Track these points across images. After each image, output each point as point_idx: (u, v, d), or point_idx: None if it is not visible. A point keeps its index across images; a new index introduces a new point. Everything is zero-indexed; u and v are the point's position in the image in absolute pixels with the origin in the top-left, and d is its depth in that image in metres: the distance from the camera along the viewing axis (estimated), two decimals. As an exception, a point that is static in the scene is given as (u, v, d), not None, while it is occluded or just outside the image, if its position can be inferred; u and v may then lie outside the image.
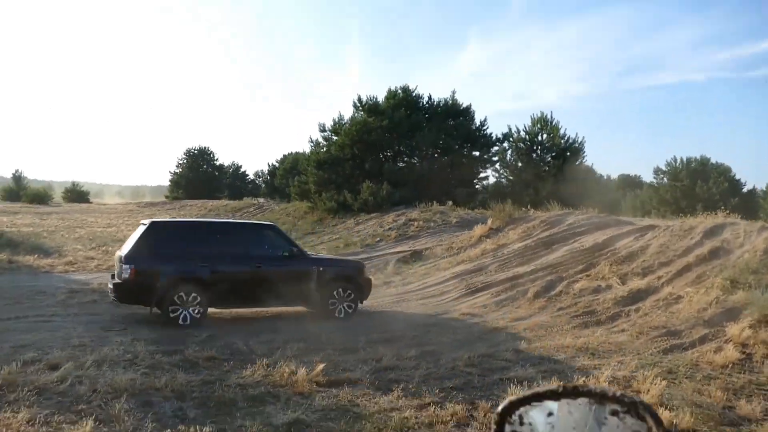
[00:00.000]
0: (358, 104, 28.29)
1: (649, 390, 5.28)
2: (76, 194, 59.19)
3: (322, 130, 29.44)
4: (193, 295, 8.13)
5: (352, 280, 9.35)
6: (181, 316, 8.09)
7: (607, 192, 35.60)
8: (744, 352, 6.80)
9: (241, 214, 35.05)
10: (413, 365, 6.27)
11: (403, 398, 5.19)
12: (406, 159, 28.22)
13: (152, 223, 8.91)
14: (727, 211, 14.06)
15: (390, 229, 20.48)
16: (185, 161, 61.14)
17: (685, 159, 41.13)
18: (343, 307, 9.08)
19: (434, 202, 22.66)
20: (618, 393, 0.60)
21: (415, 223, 20.10)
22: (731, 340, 7.08)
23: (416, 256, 15.77)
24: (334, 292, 9.02)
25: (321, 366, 5.74)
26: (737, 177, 40.22)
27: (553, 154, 24.19)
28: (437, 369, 6.22)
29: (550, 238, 14.12)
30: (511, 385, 5.36)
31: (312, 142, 29.92)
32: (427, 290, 12.04)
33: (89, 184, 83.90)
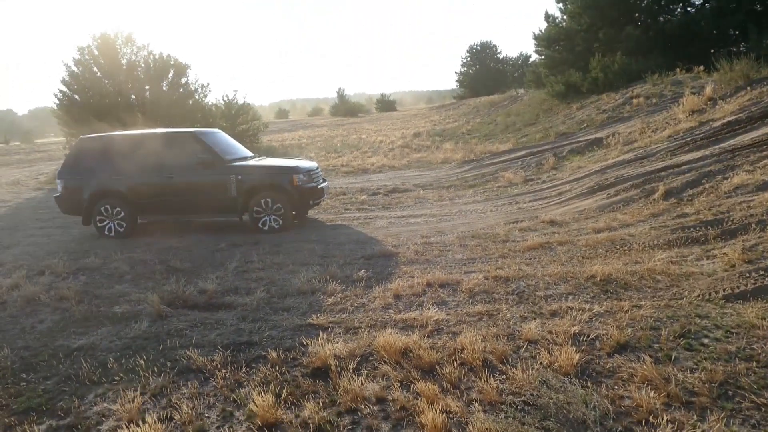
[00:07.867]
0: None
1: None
2: (385, 104, 66.38)
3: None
4: (117, 209, 8.25)
5: (278, 189, 7.92)
6: (107, 227, 8.33)
7: None
8: None
9: (495, 108, 33.90)
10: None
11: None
12: (654, 18, 21.81)
13: (80, 139, 8.90)
14: None
15: (604, 111, 16.74)
16: (468, 59, 62.01)
17: None
18: (269, 220, 7.95)
19: (679, 69, 17.33)
20: None
21: (635, 101, 15.89)
22: None
23: (595, 144, 12.59)
24: (261, 202, 7.90)
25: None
26: None
27: None
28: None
29: (780, 106, 9.33)
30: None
31: (548, 17, 25.88)
32: (549, 190, 9.61)
33: (396, 93, 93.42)
